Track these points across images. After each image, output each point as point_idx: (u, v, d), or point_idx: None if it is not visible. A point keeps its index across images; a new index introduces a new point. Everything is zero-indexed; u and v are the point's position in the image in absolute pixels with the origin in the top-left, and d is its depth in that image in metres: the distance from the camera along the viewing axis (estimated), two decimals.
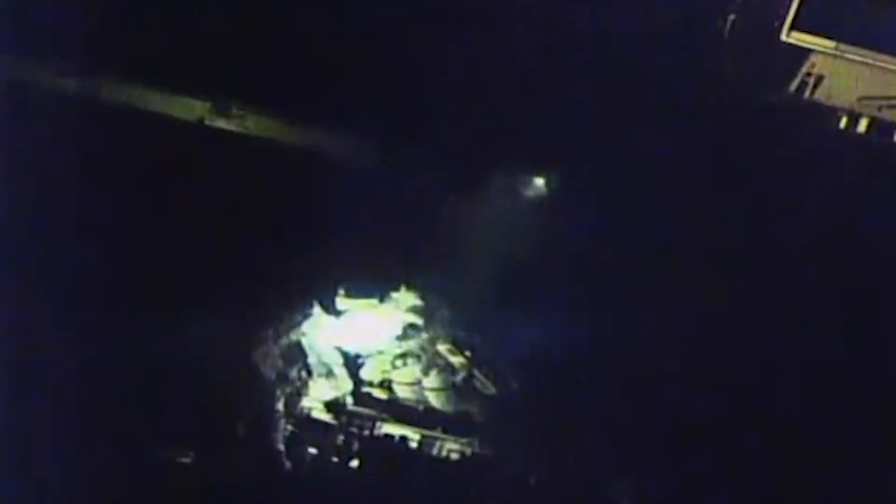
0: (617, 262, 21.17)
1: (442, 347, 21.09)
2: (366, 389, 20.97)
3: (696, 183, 21.72)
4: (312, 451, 20.63)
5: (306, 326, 21.01)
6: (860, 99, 22.32)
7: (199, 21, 21.84)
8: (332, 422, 20.76)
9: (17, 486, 19.52)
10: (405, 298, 21.19)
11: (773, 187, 21.98)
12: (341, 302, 21.09)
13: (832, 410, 20.64)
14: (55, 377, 19.91)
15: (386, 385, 21.06)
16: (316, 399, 20.83)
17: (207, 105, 22.27)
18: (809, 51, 21.88)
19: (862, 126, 22.51)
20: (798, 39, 21.71)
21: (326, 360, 20.98)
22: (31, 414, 19.77)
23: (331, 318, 21.09)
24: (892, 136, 22.57)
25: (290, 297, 21.04)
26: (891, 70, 21.74)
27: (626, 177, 21.79)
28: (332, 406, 20.84)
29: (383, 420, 20.82)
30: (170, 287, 20.68)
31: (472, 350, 21.03)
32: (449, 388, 21.02)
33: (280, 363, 20.87)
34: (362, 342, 21.05)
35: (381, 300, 21.14)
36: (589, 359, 20.48)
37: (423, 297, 21.19)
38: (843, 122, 22.55)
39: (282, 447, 20.59)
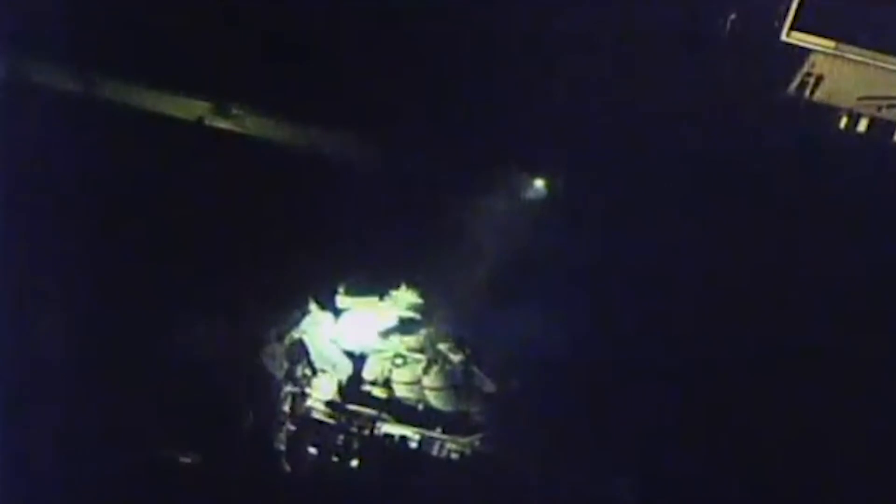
0: (617, 261, 21.16)
1: (442, 346, 21.05)
2: (366, 389, 20.94)
3: (696, 183, 21.72)
4: (312, 451, 20.60)
5: (306, 325, 20.96)
6: (860, 99, 22.32)
7: (199, 21, 21.87)
8: (332, 422, 20.73)
9: (17, 485, 19.54)
10: (405, 297, 21.13)
11: (773, 187, 21.97)
12: (341, 300, 21.04)
13: (833, 409, 20.62)
14: (61, 378, 19.97)
15: (386, 384, 21.00)
16: (316, 399, 20.80)
17: (207, 105, 22.30)
18: (809, 51, 21.90)
19: (862, 126, 22.50)
20: (798, 39, 21.73)
21: (326, 359, 20.93)
22: (35, 414, 19.83)
23: (330, 317, 21.04)
24: (892, 136, 22.57)
25: (290, 296, 21.02)
26: (891, 70, 21.75)
27: (626, 177, 21.80)
28: (333, 406, 20.81)
29: (383, 420, 20.78)
30: (169, 287, 20.71)
31: (471, 348, 20.99)
32: (449, 388, 20.95)
33: (279, 363, 20.84)
34: (362, 341, 21.00)
35: (381, 298, 21.10)
36: (589, 357, 20.46)
37: (423, 296, 21.13)
38: (843, 122, 22.55)
39: (282, 447, 20.58)
